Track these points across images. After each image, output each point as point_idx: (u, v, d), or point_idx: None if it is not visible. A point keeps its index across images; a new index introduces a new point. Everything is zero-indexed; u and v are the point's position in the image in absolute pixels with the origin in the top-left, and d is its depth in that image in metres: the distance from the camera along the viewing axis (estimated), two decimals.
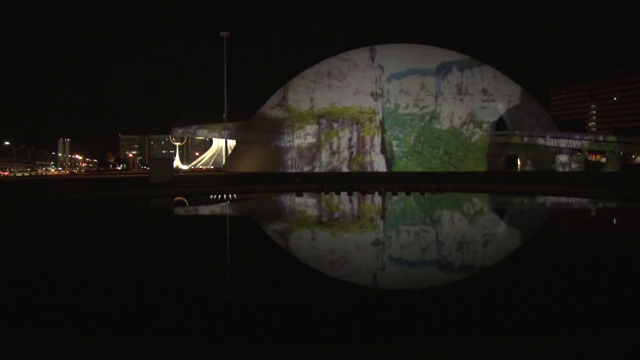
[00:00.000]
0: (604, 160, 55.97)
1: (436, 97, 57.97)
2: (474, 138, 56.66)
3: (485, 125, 57.13)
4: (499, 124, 55.28)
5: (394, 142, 56.57)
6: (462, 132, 56.93)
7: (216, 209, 18.28)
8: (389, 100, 57.33)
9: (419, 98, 57.45)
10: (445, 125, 56.87)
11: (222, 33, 79.50)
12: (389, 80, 57.80)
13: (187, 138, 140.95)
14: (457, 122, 57.23)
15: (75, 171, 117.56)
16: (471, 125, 57.24)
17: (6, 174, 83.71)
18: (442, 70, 58.93)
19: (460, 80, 58.67)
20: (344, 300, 5.05)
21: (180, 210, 17.63)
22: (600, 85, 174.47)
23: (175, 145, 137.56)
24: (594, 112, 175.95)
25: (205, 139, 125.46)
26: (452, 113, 57.51)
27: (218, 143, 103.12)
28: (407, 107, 57.32)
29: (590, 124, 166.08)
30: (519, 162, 54.70)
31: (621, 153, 55.38)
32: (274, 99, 61.79)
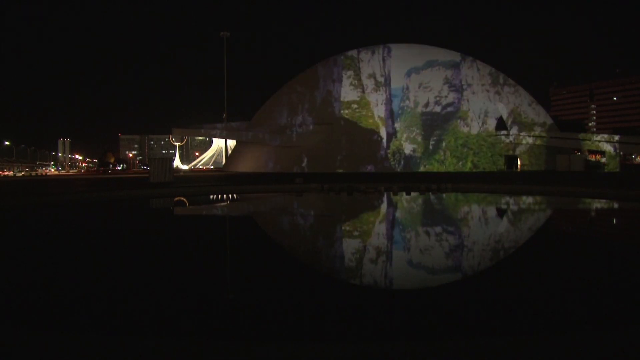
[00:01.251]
0: (604, 160, 55.85)
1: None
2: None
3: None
4: (499, 124, 53.95)
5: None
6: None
7: (216, 209, 18.27)
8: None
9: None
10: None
11: (222, 33, 79.58)
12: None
13: (187, 138, 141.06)
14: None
15: (82, 170, 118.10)
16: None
17: (10, 173, 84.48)
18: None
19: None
20: (344, 300, 5.05)
21: (180, 210, 17.63)
22: (600, 85, 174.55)
23: (175, 145, 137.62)
24: (594, 112, 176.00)
25: (205, 139, 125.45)
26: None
27: (218, 143, 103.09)
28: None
29: (590, 124, 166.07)
30: (519, 162, 54.22)
31: (621, 153, 55.24)
32: (275, 98, 61.68)
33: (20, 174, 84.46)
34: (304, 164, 55.13)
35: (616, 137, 51.94)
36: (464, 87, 53.18)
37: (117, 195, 19.93)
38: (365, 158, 53.14)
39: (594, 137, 55.70)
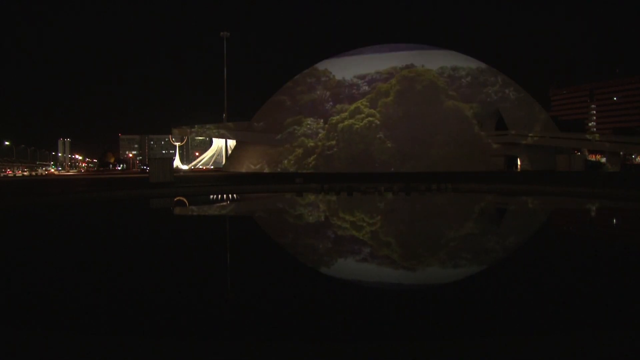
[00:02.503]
0: (604, 160, 55.81)
1: (446, 93, 53.38)
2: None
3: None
4: (499, 124, 53.92)
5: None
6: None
7: (216, 209, 18.28)
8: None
9: (426, 95, 53.26)
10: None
11: (222, 33, 79.69)
12: (390, 76, 55.04)
13: (187, 138, 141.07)
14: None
15: (82, 170, 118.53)
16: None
17: (22, 173, 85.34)
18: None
19: (472, 76, 54.73)
20: (344, 300, 5.05)
21: (180, 210, 17.63)
22: (600, 85, 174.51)
23: (175, 145, 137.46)
24: (594, 112, 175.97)
25: (205, 139, 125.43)
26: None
27: (218, 143, 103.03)
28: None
29: (590, 124, 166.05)
30: (519, 162, 54.17)
31: (621, 153, 55.22)
32: (275, 98, 61.68)
33: (21, 174, 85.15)
34: (304, 164, 55.10)
35: (616, 138, 51.93)
36: (465, 87, 53.60)
37: (117, 195, 19.94)
38: (366, 158, 53.09)
39: (594, 137, 55.72)
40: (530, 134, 51.39)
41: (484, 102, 54.07)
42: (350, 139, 53.96)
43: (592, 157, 61.75)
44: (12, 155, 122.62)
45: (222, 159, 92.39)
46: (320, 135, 55.67)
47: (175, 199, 19.95)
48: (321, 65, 60.56)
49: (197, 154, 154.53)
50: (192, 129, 68.11)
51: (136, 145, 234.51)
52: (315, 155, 54.87)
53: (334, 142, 54.58)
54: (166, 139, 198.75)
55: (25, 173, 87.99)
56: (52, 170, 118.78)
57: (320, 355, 2.91)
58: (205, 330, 4.08)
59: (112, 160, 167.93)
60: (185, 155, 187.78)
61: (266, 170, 56.83)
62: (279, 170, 55.71)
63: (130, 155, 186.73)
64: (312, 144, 55.57)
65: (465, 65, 56.70)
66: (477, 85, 55.31)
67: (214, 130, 67.83)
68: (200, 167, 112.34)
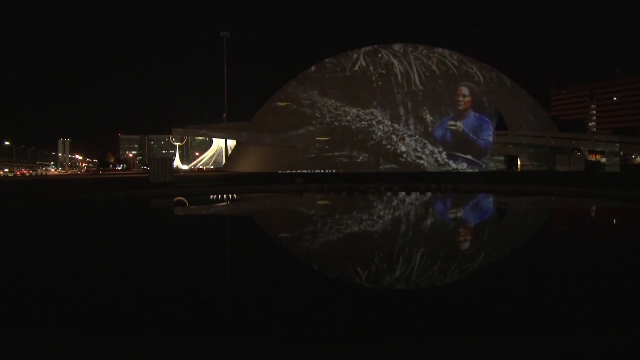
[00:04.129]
0: (604, 160, 55.76)
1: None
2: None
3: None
4: (499, 124, 53.82)
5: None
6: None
7: (216, 209, 18.28)
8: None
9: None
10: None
11: (222, 33, 79.56)
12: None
13: (187, 138, 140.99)
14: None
15: (82, 170, 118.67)
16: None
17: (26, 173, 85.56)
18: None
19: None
20: (345, 301, 5.05)
21: (180, 211, 17.63)
22: (600, 85, 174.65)
23: (175, 145, 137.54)
24: (594, 112, 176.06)
25: (205, 139, 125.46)
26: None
27: (218, 143, 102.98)
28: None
29: (590, 124, 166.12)
30: (519, 162, 54.17)
31: (621, 153, 55.15)
32: (275, 98, 61.50)
33: (31, 173, 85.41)
34: (304, 164, 54.91)
35: (616, 138, 51.94)
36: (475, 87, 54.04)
37: (117, 195, 19.93)
38: (366, 158, 53.10)
39: (594, 137, 55.71)
40: (529, 134, 51.38)
41: (491, 102, 54.07)
42: (357, 141, 53.97)
43: (592, 157, 61.72)
44: (12, 155, 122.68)
45: (222, 159, 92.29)
46: (322, 136, 55.56)
47: (175, 199, 19.94)
48: (319, 66, 60.33)
49: (197, 154, 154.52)
50: (200, 129, 67.90)
51: (136, 145, 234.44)
52: (319, 157, 54.66)
53: (340, 144, 54.45)
54: (166, 139, 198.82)
55: (25, 173, 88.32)
56: (53, 170, 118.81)
57: (320, 356, 2.91)
58: (205, 330, 4.08)
59: (112, 160, 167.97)
60: (185, 155, 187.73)
61: (267, 170, 56.65)
62: (279, 170, 55.53)
63: (130, 155, 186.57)
64: (314, 145, 55.36)
65: (478, 66, 56.71)
66: (485, 85, 55.26)
67: (229, 132, 67.36)
68: (200, 167, 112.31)
